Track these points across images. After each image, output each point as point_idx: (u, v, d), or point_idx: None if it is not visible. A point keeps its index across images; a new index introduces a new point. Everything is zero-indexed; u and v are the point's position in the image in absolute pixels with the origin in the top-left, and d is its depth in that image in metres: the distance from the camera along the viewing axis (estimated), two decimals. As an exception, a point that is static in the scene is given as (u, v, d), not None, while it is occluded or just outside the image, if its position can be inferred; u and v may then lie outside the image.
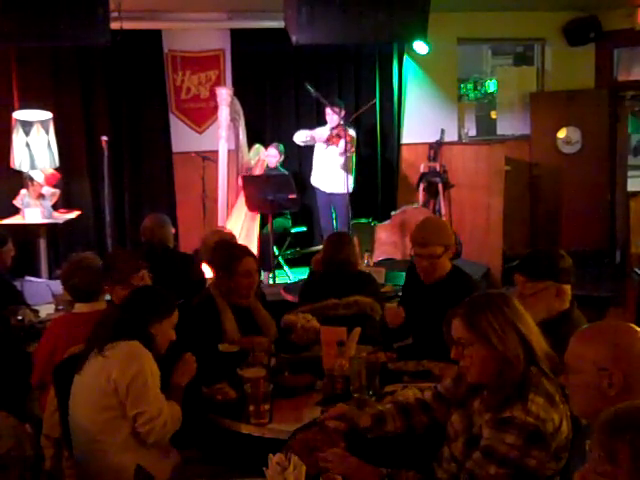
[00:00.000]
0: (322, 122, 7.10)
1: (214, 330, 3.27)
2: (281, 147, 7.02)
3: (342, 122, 6.71)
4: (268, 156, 6.97)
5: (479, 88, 9.09)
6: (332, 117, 6.81)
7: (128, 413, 2.55)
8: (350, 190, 6.69)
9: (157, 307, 2.73)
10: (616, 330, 1.87)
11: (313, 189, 7.28)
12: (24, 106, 6.46)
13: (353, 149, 6.86)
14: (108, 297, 3.43)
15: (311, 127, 7.14)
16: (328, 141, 6.87)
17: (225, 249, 3.66)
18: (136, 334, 2.62)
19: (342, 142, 6.63)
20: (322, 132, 6.94)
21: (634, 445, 1.38)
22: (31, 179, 6.34)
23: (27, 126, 6.17)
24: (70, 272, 3.37)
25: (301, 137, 7.00)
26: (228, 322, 3.33)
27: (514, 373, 2.09)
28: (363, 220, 7.23)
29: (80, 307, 3.34)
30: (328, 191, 7.03)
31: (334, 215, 7.03)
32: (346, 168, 6.71)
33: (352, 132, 6.88)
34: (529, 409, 2.02)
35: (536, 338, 2.15)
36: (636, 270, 6.06)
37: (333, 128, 6.80)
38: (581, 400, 1.86)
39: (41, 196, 6.32)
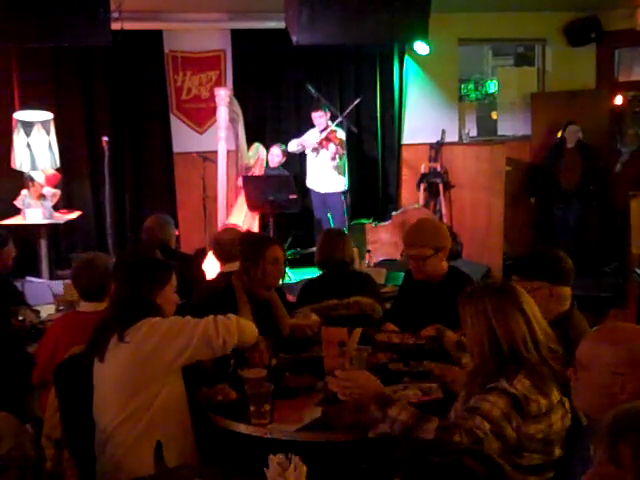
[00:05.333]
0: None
1: None
2: (283, 147, 7.07)
3: (330, 124, 6.80)
4: (271, 155, 7.03)
5: (480, 88, 9.09)
6: (319, 120, 6.90)
7: (192, 348, 2.57)
8: (343, 189, 6.71)
9: (155, 276, 2.72)
10: (636, 334, 1.84)
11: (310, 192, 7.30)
12: (25, 106, 6.46)
13: (343, 151, 6.92)
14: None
15: (311, 127, 7.15)
16: (319, 144, 6.94)
17: (253, 237, 3.69)
18: (146, 309, 2.62)
19: (332, 146, 6.71)
20: (312, 137, 7.01)
21: (636, 446, 1.37)
22: (32, 179, 6.35)
23: (28, 126, 6.17)
24: (78, 270, 3.39)
25: (292, 147, 7.12)
26: (244, 315, 3.28)
27: (508, 356, 2.18)
28: (364, 220, 7.24)
29: (85, 306, 3.34)
30: (322, 191, 7.10)
31: (330, 217, 7.05)
32: (338, 169, 6.80)
33: (341, 134, 6.93)
34: (514, 384, 2.12)
35: (539, 326, 2.23)
36: (636, 270, 6.04)
37: (322, 131, 6.87)
38: (587, 397, 1.86)
39: (42, 197, 6.32)
